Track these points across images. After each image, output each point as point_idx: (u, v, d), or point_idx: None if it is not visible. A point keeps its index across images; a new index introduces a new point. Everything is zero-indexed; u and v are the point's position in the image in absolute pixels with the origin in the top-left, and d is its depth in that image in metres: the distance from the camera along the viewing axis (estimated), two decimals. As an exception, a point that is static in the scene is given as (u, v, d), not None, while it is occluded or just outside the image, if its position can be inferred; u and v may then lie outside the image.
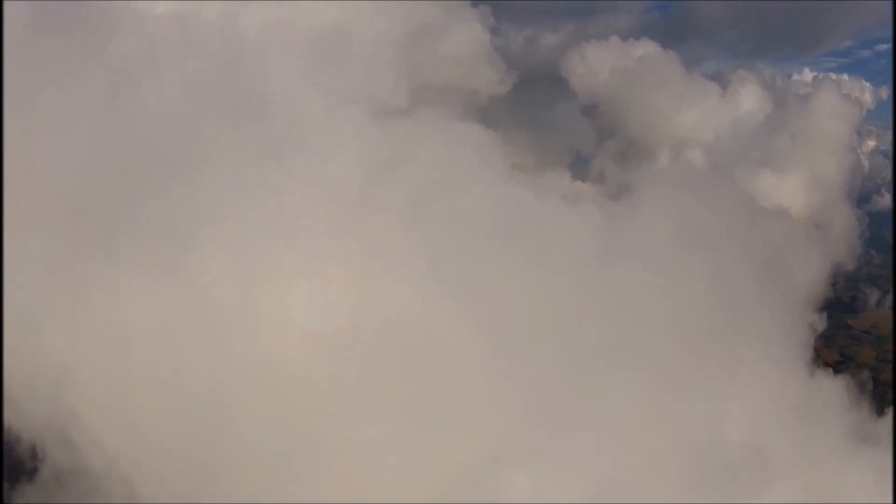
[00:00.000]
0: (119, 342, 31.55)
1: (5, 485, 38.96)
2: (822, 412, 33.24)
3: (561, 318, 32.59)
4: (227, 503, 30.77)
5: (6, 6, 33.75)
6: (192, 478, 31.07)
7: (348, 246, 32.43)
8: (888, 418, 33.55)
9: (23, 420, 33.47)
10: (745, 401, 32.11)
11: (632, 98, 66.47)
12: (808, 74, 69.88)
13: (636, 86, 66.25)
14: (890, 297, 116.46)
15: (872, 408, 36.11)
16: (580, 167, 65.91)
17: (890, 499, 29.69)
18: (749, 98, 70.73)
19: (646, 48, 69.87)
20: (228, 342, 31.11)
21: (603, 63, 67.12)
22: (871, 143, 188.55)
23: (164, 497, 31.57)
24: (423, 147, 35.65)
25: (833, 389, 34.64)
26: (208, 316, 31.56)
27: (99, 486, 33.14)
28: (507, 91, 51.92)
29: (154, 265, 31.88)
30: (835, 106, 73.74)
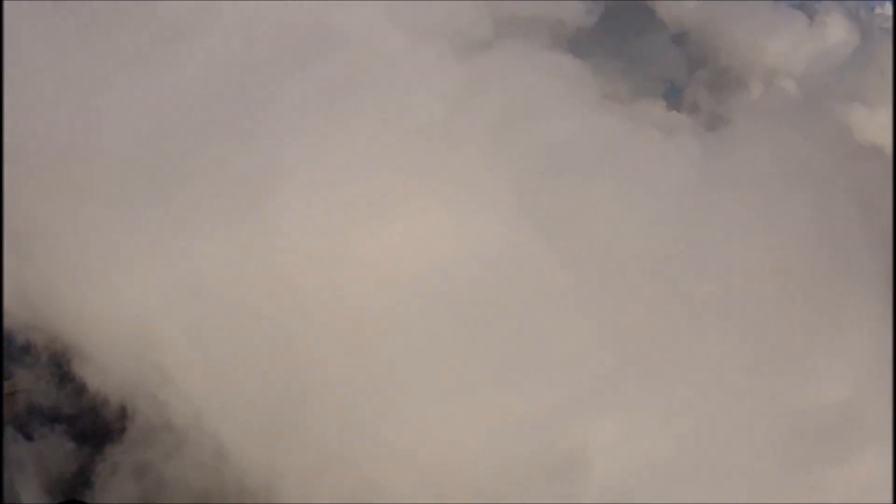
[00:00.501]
0: (196, 295, 30.49)
1: (95, 447, 39.24)
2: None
3: (656, 256, 30.60)
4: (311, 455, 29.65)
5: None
6: (275, 427, 30.01)
7: (431, 184, 30.78)
8: None
9: (109, 381, 32.88)
10: (845, 356, 29.71)
11: (720, 26, 63.06)
12: (888, 7, 67.09)
13: (723, 13, 62.96)
14: None
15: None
16: (674, 97, 63.23)
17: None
18: (836, 29, 66.75)
19: None
20: (308, 290, 29.92)
21: None
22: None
23: (250, 448, 30.61)
24: (509, 78, 33.61)
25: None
26: (287, 264, 30.17)
27: (187, 440, 32.79)
28: (594, 22, 48.34)
29: (228, 214, 30.66)
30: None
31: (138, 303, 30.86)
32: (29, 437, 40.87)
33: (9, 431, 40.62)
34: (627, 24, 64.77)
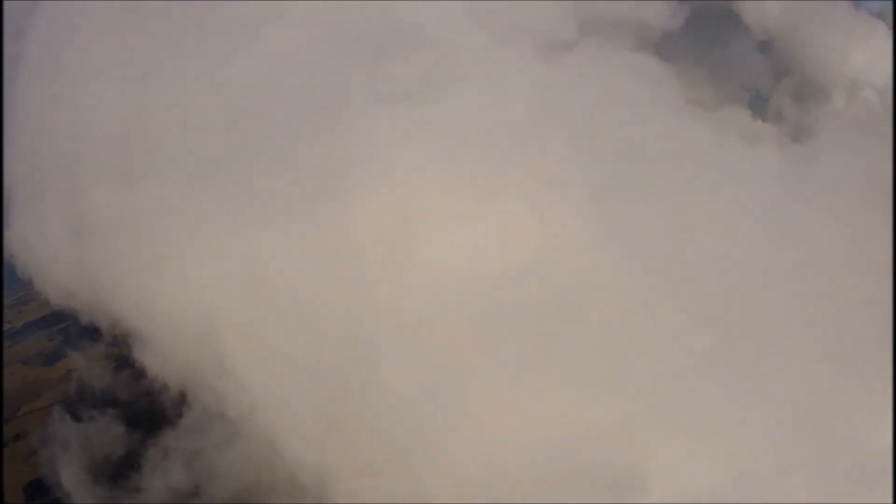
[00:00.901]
0: (261, 288, 30.41)
1: (147, 434, 39.42)
2: None
3: (735, 270, 29.01)
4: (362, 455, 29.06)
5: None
6: (329, 425, 29.40)
7: (507, 186, 29.66)
8: None
9: (170, 368, 33.45)
10: None
11: (804, 35, 58.58)
12: None
13: (807, 21, 58.54)
14: None
15: None
16: (759, 105, 61.62)
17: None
18: None
19: None
20: (374, 289, 29.15)
21: None
22: None
23: (303, 444, 30.00)
24: (592, 79, 32.74)
25: None
26: (354, 262, 29.58)
27: (241, 432, 33.06)
28: (680, 26, 48.98)
29: (297, 210, 30.40)
30: None
31: (203, 292, 30.91)
32: (78, 419, 41.49)
33: (57, 411, 41.75)
34: (713, 30, 63.16)
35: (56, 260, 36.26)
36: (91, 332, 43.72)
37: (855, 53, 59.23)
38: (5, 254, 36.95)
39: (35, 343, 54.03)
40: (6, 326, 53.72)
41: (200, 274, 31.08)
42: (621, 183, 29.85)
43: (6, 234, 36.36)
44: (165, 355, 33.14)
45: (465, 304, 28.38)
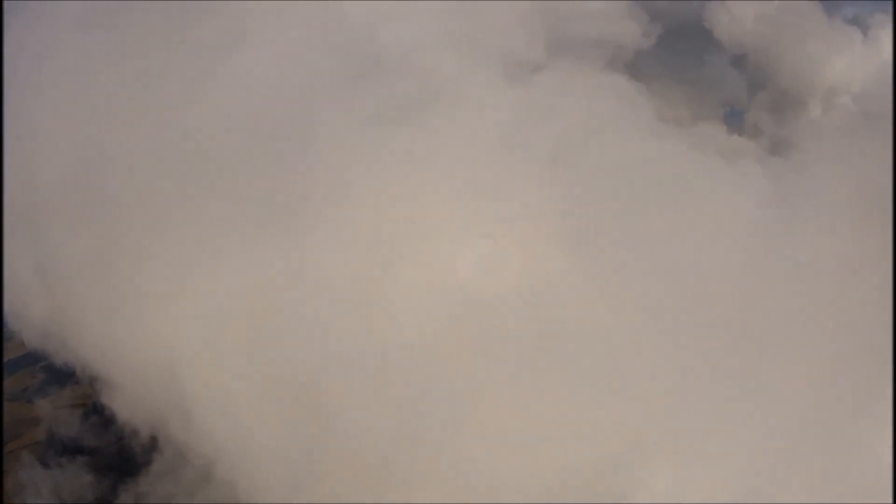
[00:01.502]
0: (220, 329, 29.32)
1: (118, 479, 38.43)
2: None
3: (720, 291, 27.44)
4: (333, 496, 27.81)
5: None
6: (300, 470, 28.41)
7: (484, 214, 28.42)
8: None
9: (138, 413, 32.89)
10: None
11: (778, 47, 60.72)
12: None
13: (781, 34, 60.60)
14: None
15: None
16: (735, 120, 62.33)
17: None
18: (890, 42, 62.42)
19: None
20: (338, 327, 27.87)
21: (745, 11, 61.58)
22: None
23: (272, 488, 29.05)
24: (563, 101, 31.07)
25: None
26: (317, 300, 28.33)
27: (211, 474, 32.12)
28: (652, 45, 47.83)
29: (258, 246, 29.20)
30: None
31: (163, 335, 29.97)
32: (47, 466, 40.36)
33: (27, 458, 40.58)
34: (686, 47, 63.48)
35: (26, 301, 35.28)
36: (65, 375, 42.11)
37: (831, 62, 61.47)
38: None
39: (19, 380, 52.10)
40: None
41: (160, 316, 30.09)
42: (600, 208, 28.51)
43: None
44: (133, 400, 32.26)
45: (437, 338, 27.06)
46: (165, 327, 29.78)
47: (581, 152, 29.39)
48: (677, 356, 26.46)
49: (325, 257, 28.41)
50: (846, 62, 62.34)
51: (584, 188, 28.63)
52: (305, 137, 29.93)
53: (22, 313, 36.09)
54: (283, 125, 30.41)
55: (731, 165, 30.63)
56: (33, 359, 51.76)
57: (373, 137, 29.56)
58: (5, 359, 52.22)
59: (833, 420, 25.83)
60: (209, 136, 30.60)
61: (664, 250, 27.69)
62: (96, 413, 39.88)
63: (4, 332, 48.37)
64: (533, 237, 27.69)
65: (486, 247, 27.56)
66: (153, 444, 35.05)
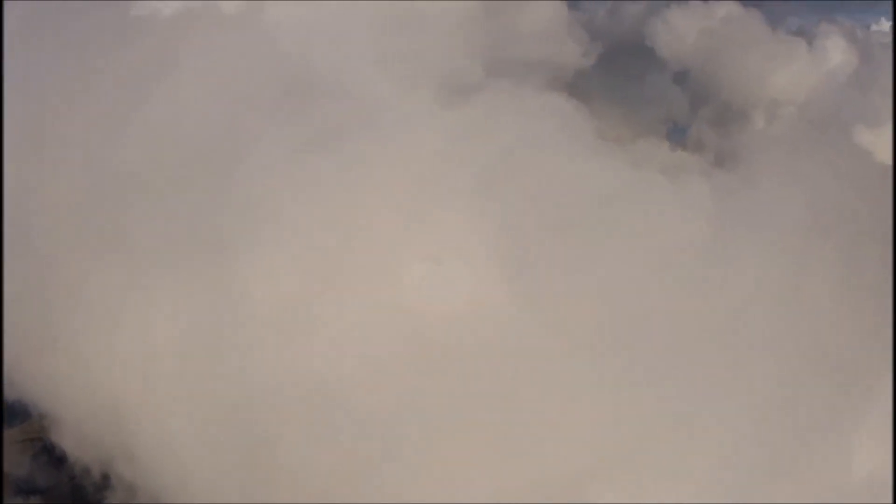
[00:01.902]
0: (158, 363, 28.58)
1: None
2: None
3: (668, 320, 26.50)
4: None
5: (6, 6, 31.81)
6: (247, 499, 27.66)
7: (411, 244, 27.69)
8: None
9: (87, 450, 31.77)
10: (875, 426, 25.76)
11: (721, 61, 61.71)
12: (885, 24, 67.55)
13: (724, 48, 61.65)
14: None
15: None
16: (677, 137, 63.24)
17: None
18: (836, 52, 65.65)
19: (728, 8, 64.09)
20: (274, 358, 27.35)
21: (687, 27, 62.49)
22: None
23: None
24: (500, 123, 29.96)
25: None
26: (252, 329, 27.63)
27: None
28: (593, 64, 48.29)
29: (192, 278, 28.55)
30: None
31: (102, 372, 29.21)
32: None
33: None
34: (627, 66, 64.51)
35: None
36: (16, 413, 40.90)
37: (775, 73, 62.20)
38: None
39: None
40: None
41: (98, 353, 29.23)
42: (537, 229, 27.53)
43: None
44: (81, 437, 31.27)
45: (374, 367, 26.50)
46: (103, 364, 29.04)
47: (517, 173, 28.33)
48: (621, 387, 25.84)
49: (257, 289, 27.67)
50: (791, 73, 62.87)
51: (520, 209, 27.72)
52: (235, 165, 29.15)
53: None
54: (211, 153, 29.54)
55: (673, 181, 29.57)
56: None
57: (304, 163, 28.81)
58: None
59: (788, 438, 25.33)
60: (139, 164, 29.75)
61: (601, 279, 26.72)
62: (48, 452, 38.29)
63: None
64: (469, 261, 26.91)
65: (423, 272, 26.90)
66: (105, 483, 33.43)
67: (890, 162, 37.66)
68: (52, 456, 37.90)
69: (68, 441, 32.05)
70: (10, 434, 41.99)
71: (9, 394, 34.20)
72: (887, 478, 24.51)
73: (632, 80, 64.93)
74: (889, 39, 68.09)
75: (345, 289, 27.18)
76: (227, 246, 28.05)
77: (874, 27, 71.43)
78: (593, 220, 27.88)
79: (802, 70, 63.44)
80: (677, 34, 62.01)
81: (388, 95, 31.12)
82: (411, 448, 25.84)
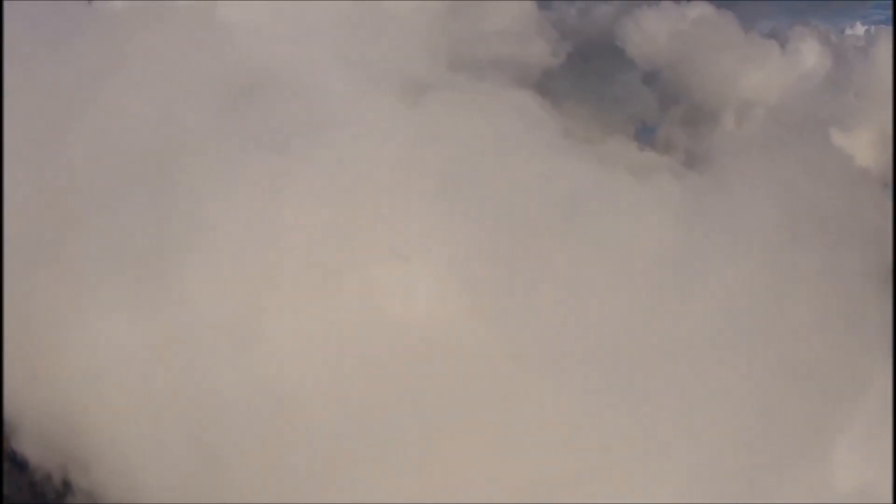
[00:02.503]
0: (109, 377, 27.10)
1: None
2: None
3: (633, 320, 25.17)
4: None
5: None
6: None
7: (371, 248, 26.03)
8: None
9: (48, 457, 30.22)
10: (859, 440, 24.48)
11: (692, 62, 60.83)
12: (859, 28, 67.62)
13: (695, 49, 60.67)
14: None
15: None
16: (646, 137, 62.30)
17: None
18: (810, 55, 64.33)
19: (700, 10, 63.08)
20: (222, 369, 25.98)
21: (658, 28, 61.60)
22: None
23: None
24: (461, 120, 28.46)
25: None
26: (198, 339, 26.34)
27: None
28: (562, 64, 48.46)
29: (135, 287, 27.06)
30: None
31: (57, 381, 27.97)
32: None
33: None
34: (599, 66, 64.09)
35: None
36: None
37: (746, 75, 61.36)
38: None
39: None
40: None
41: (51, 365, 27.93)
42: (499, 232, 26.05)
43: None
44: (40, 445, 29.81)
45: (323, 375, 25.34)
46: (55, 375, 27.88)
47: (480, 173, 27.18)
48: (580, 388, 24.43)
49: (203, 297, 26.44)
50: (762, 75, 62.05)
51: (483, 212, 26.36)
52: (180, 169, 27.88)
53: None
54: (157, 156, 28.18)
55: (642, 182, 28.13)
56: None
57: (255, 164, 27.58)
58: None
59: (764, 451, 23.98)
60: (83, 172, 28.54)
61: (569, 275, 25.32)
62: (9, 459, 37.08)
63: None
64: (430, 266, 25.69)
65: (380, 276, 25.68)
66: (66, 489, 31.72)
67: (867, 164, 36.49)
68: (14, 462, 35.01)
69: (29, 449, 30.73)
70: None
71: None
72: (873, 494, 23.37)
73: (602, 79, 64.45)
74: (863, 43, 68.48)
75: (297, 295, 25.85)
76: (172, 254, 26.78)
77: (848, 31, 71.01)
78: (559, 221, 26.40)
79: (775, 72, 62.62)
80: (648, 35, 61.37)
81: (347, 95, 29.88)
82: (372, 457, 24.63)
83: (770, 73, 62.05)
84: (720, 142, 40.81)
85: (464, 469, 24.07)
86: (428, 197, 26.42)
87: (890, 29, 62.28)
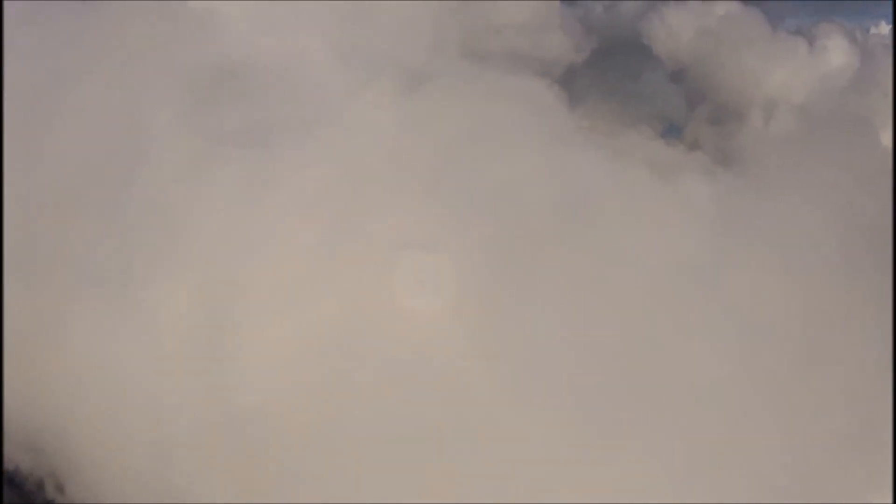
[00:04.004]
0: (76, 395, 24.67)
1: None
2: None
3: (653, 334, 21.79)
4: None
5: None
6: None
7: (351, 253, 22.85)
8: None
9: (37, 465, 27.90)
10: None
11: (719, 60, 58.03)
12: (884, 27, 65.53)
13: (722, 47, 57.97)
14: None
15: None
16: (672, 136, 59.27)
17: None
18: (837, 52, 61.27)
19: (728, 7, 60.42)
20: (184, 390, 23.40)
21: (685, 25, 59.04)
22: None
23: None
24: (460, 109, 25.41)
25: None
26: (159, 361, 23.65)
27: None
28: (587, 61, 47.65)
29: (99, 307, 24.34)
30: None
31: (35, 395, 25.51)
32: None
33: None
34: (623, 63, 61.86)
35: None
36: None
37: (773, 73, 58.72)
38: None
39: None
40: None
41: (27, 381, 25.31)
42: (500, 235, 22.76)
43: None
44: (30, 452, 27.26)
45: (288, 395, 22.57)
46: (31, 390, 25.36)
47: (472, 167, 24.09)
48: (595, 429, 21.55)
49: (164, 317, 23.71)
50: (789, 72, 59.37)
51: (482, 214, 23.04)
52: (151, 174, 24.87)
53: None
54: (123, 162, 25.23)
55: (666, 181, 24.47)
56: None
57: (229, 164, 24.74)
58: None
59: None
60: (49, 186, 25.60)
61: (578, 291, 21.95)
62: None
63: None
64: (413, 281, 22.25)
65: (351, 295, 22.59)
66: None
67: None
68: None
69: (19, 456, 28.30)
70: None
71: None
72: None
73: (628, 77, 62.12)
74: (886, 42, 65.17)
75: (268, 308, 22.93)
76: (139, 266, 24.12)
77: (873, 30, 68.09)
78: (563, 224, 23.03)
79: (801, 70, 59.77)
80: (675, 32, 58.88)
81: (339, 87, 27.17)
82: (340, 477, 22.15)
83: (798, 70, 59.28)
84: (756, 140, 38.37)
85: (442, 489, 21.31)
86: (415, 197, 23.68)
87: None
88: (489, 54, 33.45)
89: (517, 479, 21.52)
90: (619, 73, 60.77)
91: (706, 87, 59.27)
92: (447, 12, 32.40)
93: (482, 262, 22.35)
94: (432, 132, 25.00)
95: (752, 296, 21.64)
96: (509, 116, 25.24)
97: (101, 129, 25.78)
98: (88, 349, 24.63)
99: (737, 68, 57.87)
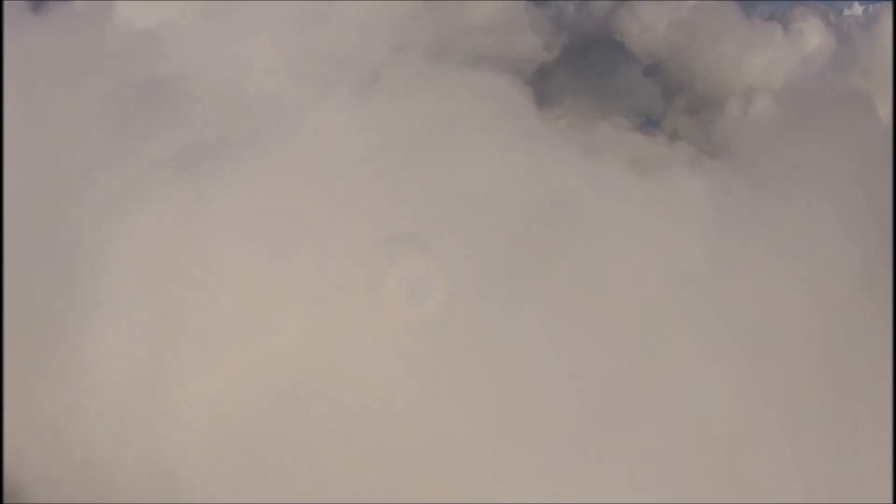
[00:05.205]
0: (29, 435, 22.91)
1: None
2: None
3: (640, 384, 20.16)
4: None
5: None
6: None
7: (296, 285, 20.69)
8: None
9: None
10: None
11: (695, 50, 55.88)
12: (857, 8, 64.76)
13: (697, 37, 55.89)
14: None
15: None
16: (651, 130, 56.22)
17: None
18: (813, 35, 58.59)
19: None
20: (121, 426, 21.63)
21: (657, 19, 56.92)
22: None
23: None
24: (409, 102, 23.79)
25: None
26: (96, 411, 21.71)
27: None
28: (560, 59, 45.51)
29: (38, 354, 22.62)
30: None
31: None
32: None
33: None
34: (596, 60, 58.97)
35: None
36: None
37: (749, 60, 56.42)
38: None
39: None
40: None
41: None
42: (472, 242, 20.65)
43: None
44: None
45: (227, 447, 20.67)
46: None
47: (449, 174, 21.85)
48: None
49: (105, 363, 21.51)
50: (766, 59, 57.05)
51: (452, 220, 20.89)
52: (80, 205, 22.55)
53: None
54: (50, 194, 22.93)
55: (650, 177, 21.90)
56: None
57: (164, 189, 22.35)
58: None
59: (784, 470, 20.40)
60: None
61: (556, 290, 19.88)
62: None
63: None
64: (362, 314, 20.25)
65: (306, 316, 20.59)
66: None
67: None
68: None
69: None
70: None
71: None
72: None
73: (602, 74, 59.43)
74: (864, 21, 62.20)
75: (204, 349, 20.93)
76: (70, 312, 22.12)
77: (846, 12, 65.88)
78: (547, 222, 20.66)
79: (778, 55, 57.38)
80: (647, 26, 56.84)
81: (287, 97, 25.32)
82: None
83: (774, 56, 57.02)
84: (742, 127, 37.15)
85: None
86: (378, 202, 21.29)
87: (890, 5, 57.77)
88: (457, 56, 31.74)
89: (500, 486, 19.96)
90: (593, 71, 58.75)
91: (683, 79, 57.03)
92: (411, 14, 31.55)
93: (457, 268, 20.42)
94: (392, 135, 22.93)
95: (753, 300, 19.20)
96: (472, 115, 23.04)
97: (26, 159, 23.23)
98: (27, 391, 22.91)
99: (713, 57, 55.61)
